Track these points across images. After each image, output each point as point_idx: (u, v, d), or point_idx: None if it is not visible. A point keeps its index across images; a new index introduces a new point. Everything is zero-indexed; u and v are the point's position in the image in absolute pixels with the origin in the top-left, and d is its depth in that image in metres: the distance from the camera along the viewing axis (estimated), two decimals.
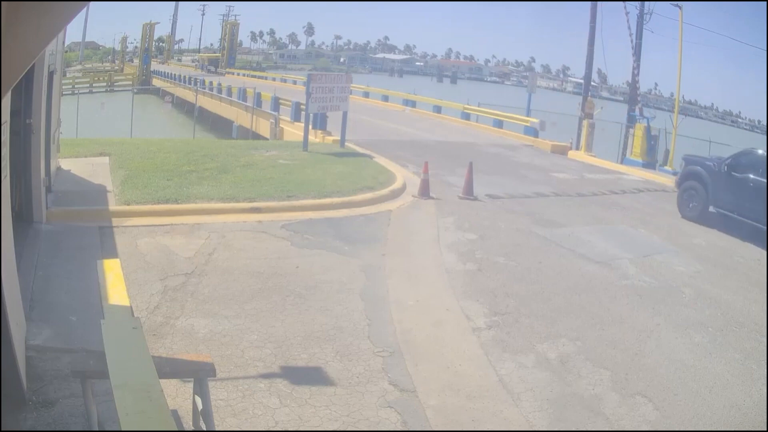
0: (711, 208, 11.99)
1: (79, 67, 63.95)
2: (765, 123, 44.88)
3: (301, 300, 6.25)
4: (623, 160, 19.67)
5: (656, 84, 76.04)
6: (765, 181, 11.27)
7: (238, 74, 53.56)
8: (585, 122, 19.89)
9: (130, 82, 49.28)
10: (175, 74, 48.10)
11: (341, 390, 4.71)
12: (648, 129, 18.99)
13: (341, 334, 5.61)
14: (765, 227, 10.84)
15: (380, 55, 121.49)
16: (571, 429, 4.56)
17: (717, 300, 7.42)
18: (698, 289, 7.72)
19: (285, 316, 5.85)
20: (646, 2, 21.04)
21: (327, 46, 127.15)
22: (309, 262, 7.32)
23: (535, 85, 25.24)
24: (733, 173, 11.84)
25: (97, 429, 3.69)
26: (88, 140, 13.80)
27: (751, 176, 11.45)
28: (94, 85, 48.27)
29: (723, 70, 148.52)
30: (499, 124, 22.01)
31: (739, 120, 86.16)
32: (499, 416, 4.62)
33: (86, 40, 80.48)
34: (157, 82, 50.49)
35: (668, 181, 14.89)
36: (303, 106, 15.97)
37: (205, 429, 3.73)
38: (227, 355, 5.03)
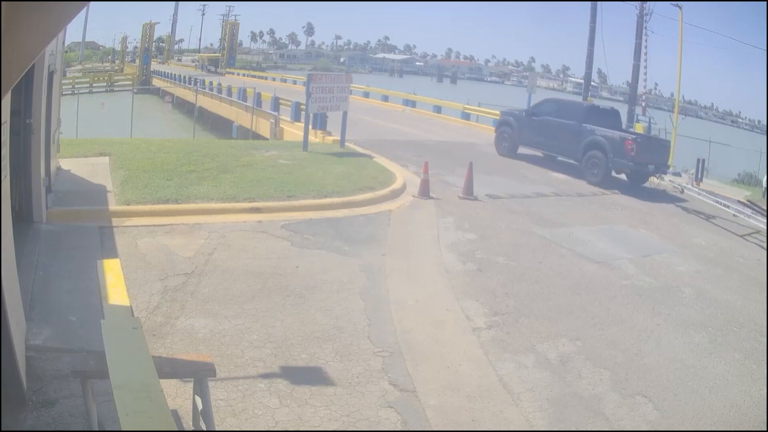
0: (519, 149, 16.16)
1: (79, 67, 63.92)
2: (765, 123, 44.85)
3: (301, 300, 6.25)
4: None
5: (656, 84, 75.86)
6: (558, 120, 15.08)
7: (238, 74, 53.59)
8: None
9: (130, 82, 49.22)
10: (175, 74, 48.11)
11: (341, 390, 4.70)
12: (648, 128, 19.02)
13: (341, 334, 5.61)
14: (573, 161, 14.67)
15: (380, 55, 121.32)
16: (571, 429, 4.56)
17: (717, 300, 7.43)
18: (698, 289, 7.72)
19: (285, 316, 5.85)
20: (646, 2, 21.07)
21: (327, 46, 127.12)
22: (309, 262, 7.32)
23: (535, 85, 25.24)
24: (532, 117, 15.87)
25: (97, 429, 3.69)
26: (88, 140, 13.80)
27: (546, 118, 15.38)
28: (94, 85, 48.23)
29: (723, 70, 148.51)
30: None
31: (739, 120, 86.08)
32: (499, 416, 4.62)
33: (86, 40, 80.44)
34: (157, 82, 50.48)
35: (668, 183, 15.03)
36: (303, 106, 15.97)
37: (205, 429, 3.73)
38: (227, 355, 5.03)
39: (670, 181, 14.59)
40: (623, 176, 14.67)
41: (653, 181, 14.48)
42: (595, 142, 14.02)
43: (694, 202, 13.26)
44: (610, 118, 15.35)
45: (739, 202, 13.25)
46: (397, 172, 12.43)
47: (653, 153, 14.27)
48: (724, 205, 12.55)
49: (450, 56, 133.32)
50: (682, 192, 13.97)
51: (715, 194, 13.61)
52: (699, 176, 16.13)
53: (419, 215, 9.86)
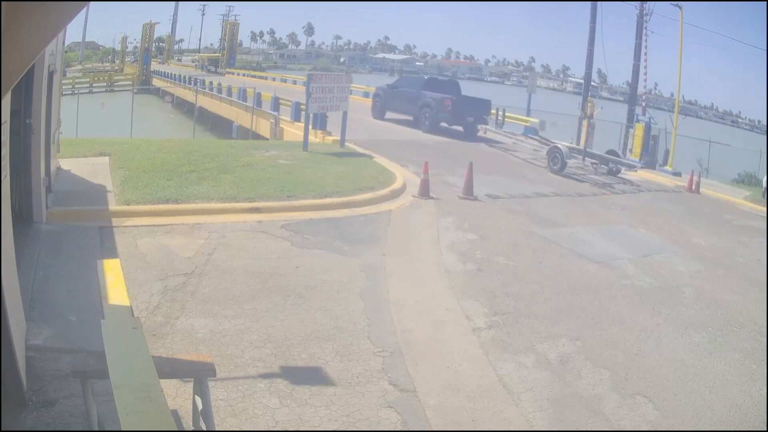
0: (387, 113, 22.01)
1: (79, 67, 63.93)
2: (765, 123, 44.86)
3: (301, 300, 6.25)
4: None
5: (656, 84, 75.77)
6: (407, 90, 21.55)
7: (238, 74, 53.48)
8: (585, 122, 19.87)
9: (130, 82, 49.20)
10: (175, 74, 48.00)
11: (341, 390, 4.70)
12: (648, 129, 19.01)
13: (341, 334, 5.61)
14: (412, 118, 20.68)
15: (380, 55, 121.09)
16: (571, 429, 4.56)
17: (717, 300, 7.42)
18: (698, 289, 7.72)
19: (285, 316, 5.85)
20: (646, 2, 21.05)
21: (327, 46, 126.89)
22: (309, 262, 7.32)
23: (535, 85, 25.26)
24: (393, 89, 22.22)
25: (97, 429, 3.69)
26: (88, 140, 13.79)
27: (401, 89, 21.69)
28: (94, 85, 48.22)
29: (723, 70, 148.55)
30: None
31: (739, 120, 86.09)
32: (499, 416, 4.62)
33: (86, 40, 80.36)
34: (157, 82, 50.41)
35: (668, 181, 15.42)
36: (303, 106, 15.96)
37: (205, 429, 3.73)
38: (227, 355, 5.03)
39: (482, 127, 19.63)
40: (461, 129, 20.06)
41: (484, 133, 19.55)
42: (425, 103, 19.96)
43: (512, 146, 18.25)
44: (447, 86, 21.75)
45: (524, 134, 18.80)
46: (397, 172, 12.43)
47: (470, 109, 19.78)
48: (510, 137, 18.57)
49: (450, 56, 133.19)
50: (485, 133, 19.32)
51: (506, 132, 19.19)
52: (501, 122, 21.14)
53: (419, 215, 9.86)
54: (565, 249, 8.78)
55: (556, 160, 14.99)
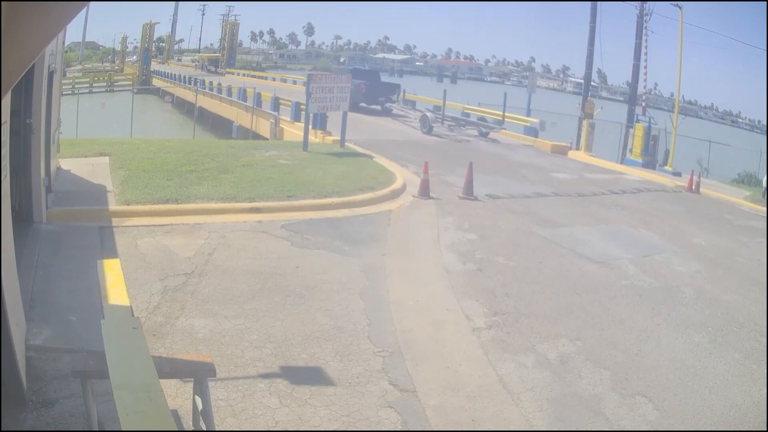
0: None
1: (79, 67, 63.91)
2: (765, 123, 44.86)
3: (301, 300, 6.25)
4: (623, 160, 19.70)
5: (656, 84, 75.62)
6: (357, 82, 22.51)
7: (238, 74, 53.45)
8: (585, 122, 19.89)
9: (130, 82, 49.19)
10: (175, 74, 48.01)
11: (341, 390, 4.70)
12: (648, 129, 19.02)
13: (341, 334, 5.61)
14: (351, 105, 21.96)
15: (380, 55, 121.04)
16: (571, 429, 4.56)
17: (717, 300, 7.42)
18: (698, 289, 7.71)
19: (285, 316, 5.85)
20: (646, 2, 21.06)
21: (327, 46, 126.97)
22: (309, 262, 7.32)
23: (535, 85, 25.27)
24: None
25: (97, 429, 3.69)
26: (88, 140, 13.79)
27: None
28: (94, 85, 48.20)
29: (723, 70, 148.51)
30: (499, 124, 22.01)
31: (739, 120, 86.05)
32: (499, 416, 4.62)
33: (86, 40, 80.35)
34: (157, 82, 50.42)
35: (668, 181, 15.55)
36: (303, 106, 15.97)
37: (205, 429, 3.73)
38: (227, 355, 5.03)
39: (389, 105, 24.86)
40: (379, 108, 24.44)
41: (395, 111, 24.36)
42: None
43: (410, 119, 22.44)
44: (367, 74, 27.06)
45: (417, 110, 23.28)
46: (397, 172, 12.43)
47: (381, 91, 24.88)
48: (402, 110, 24.06)
49: (450, 56, 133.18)
50: (392, 110, 24.36)
51: (402, 107, 24.58)
52: (401, 99, 26.32)
53: (419, 215, 9.86)
54: (565, 249, 8.77)
55: (425, 124, 19.72)
